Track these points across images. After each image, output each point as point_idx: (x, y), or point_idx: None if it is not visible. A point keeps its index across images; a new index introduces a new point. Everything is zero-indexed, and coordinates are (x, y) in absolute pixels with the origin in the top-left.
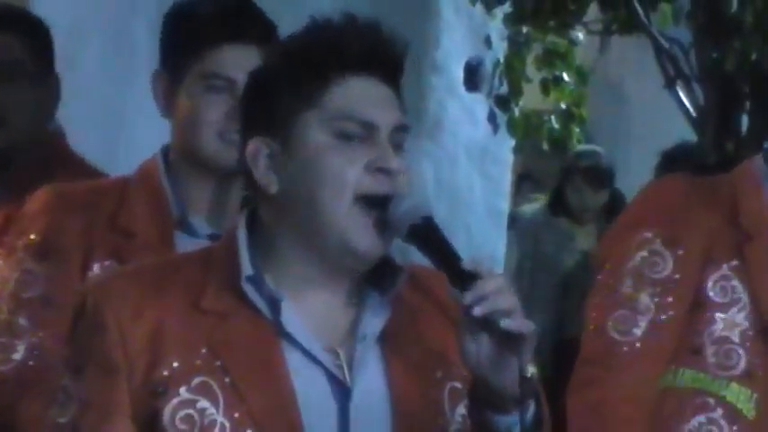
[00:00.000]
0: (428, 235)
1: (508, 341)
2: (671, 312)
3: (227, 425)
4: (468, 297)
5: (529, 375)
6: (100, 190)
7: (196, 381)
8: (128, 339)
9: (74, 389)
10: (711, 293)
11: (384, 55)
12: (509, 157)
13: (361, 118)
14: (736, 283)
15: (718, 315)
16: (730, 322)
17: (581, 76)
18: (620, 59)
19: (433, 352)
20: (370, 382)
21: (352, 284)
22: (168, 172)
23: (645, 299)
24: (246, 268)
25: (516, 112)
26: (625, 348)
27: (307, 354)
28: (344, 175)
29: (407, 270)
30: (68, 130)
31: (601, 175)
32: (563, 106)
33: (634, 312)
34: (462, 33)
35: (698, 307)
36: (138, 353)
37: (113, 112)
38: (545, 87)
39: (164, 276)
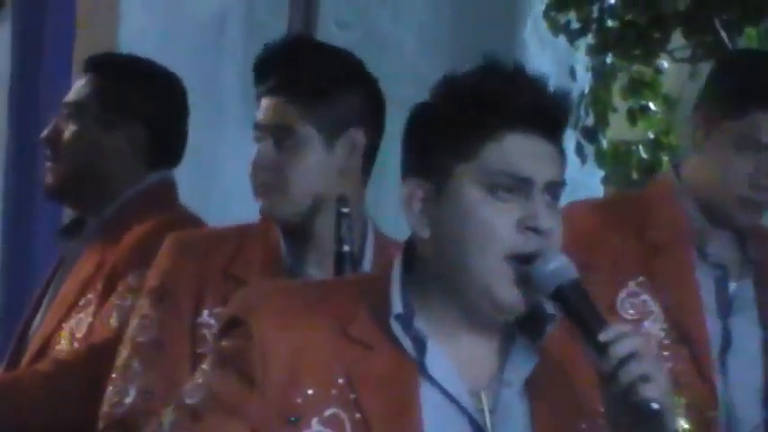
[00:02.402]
0: (573, 298)
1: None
2: None
3: None
4: (605, 365)
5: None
6: (218, 237)
7: (328, 412)
8: (269, 355)
9: (211, 378)
10: (622, 311)
11: (545, 112)
12: (599, 189)
13: (516, 173)
14: (645, 296)
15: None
16: (646, 335)
17: (669, 104)
18: None
19: (579, 403)
20: (514, 429)
21: (499, 331)
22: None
23: None
24: (396, 306)
25: (604, 143)
26: None
27: (448, 396)
28: (495, 231)
29: (558, 318)
30: None
31: None
32: (651, 135)
33: None
34: (547, 66)
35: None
36: (276, 370)
37: (205, 158)
38: (632, 117)
39: (317, 297)
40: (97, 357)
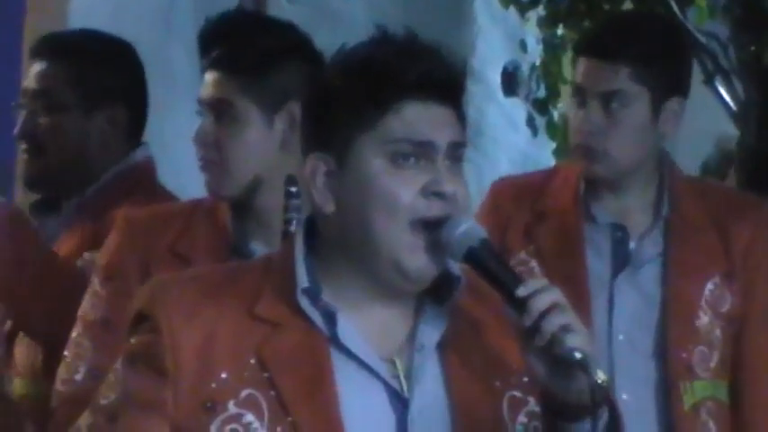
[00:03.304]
0: (485, 258)
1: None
2: None
3: None
4: (526, 320)
5: (600, 382)
6: (166, 215)
7: (244, 393)
8: (178, 345)
9: (123, 377)
10: None
11: (442, 78)
12: (550, 160)
13: (416, 139)
14: (534, 264)
15: None
16: None
17: None
18: None
19: (492, 361)
20: (429, 393)
21: (408, 298)
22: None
23: None
24: (302, 281)
25: (555, 115)
26: None
27: (363, 365)
28: (398, 199)
29: (465, 279)
30: None
31: None
32: None
33: None
34: (498, 39)
35: None
36: (187, 359)
37: (154, 134)
38: None
39: (221, 282)
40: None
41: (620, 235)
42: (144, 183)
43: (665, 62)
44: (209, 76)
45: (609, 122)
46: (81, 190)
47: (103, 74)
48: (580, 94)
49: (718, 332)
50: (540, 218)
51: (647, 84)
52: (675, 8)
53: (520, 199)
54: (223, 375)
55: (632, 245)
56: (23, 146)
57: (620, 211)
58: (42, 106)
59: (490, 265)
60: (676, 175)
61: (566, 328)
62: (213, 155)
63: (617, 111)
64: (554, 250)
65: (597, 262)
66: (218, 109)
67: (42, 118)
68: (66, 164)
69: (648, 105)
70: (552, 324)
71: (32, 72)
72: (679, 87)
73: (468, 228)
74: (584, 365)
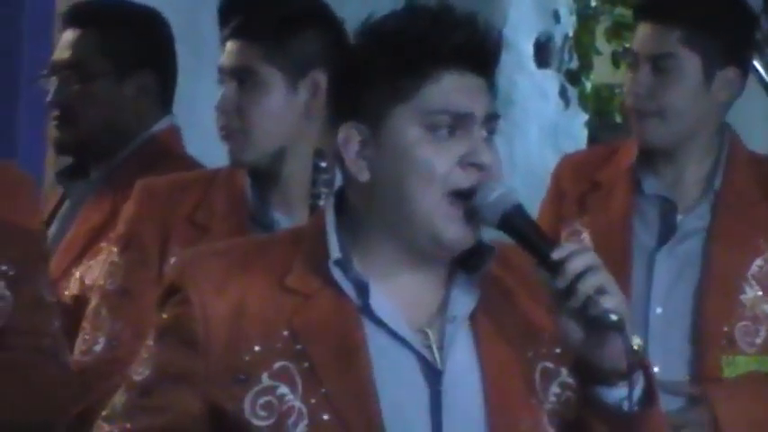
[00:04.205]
0: (519, 223)
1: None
2: None
3: (305, 410)
4: (561, 282)
5: (635, 347)
6: (184, 184)
7: (277, 366)
8: (209, 316)
9: (155, 351)
10: None
11: (479, 49)
12: (582, 132)
13: (455, 110)
14: (585, 235)
15: None
16: None
17: None
18: None
19: (524, 331)
20: (461, 363)
21: (440, 267)
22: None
23: None
24: (334, 251)
25: (587, 86)
26: None
27: (395, 336)
28: (435, 169)
29: (496, 249)
30: None
31: None
32: None
33: None
34: (530, 9)
35: None
36: (218, 331)
37: (182, 102)
38: (615, 60)
39: (251, 254)
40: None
41: (667, 207)
42: (169, 151)
43: (719, 29)
44: (231, 45)
45: (659, 85)
46: (111, 157)
47: (134, 41)
48: (634, 58)
49: (766, 308)
50: (595, 188)
51: (698, 49)
52: None
53: (578, 171)
54: (256, 348)
55: (679, 217)
56: (55, 113)
57: (673, 183)
58: (74, 75)
59: (525, 229)
60: (736, 149)
61: (601, 290)
62: (236, 123)
63: (667, 74)
64: (603, 219)
65: (644, 233)
66: (241, 76)
67: (74, 86)
68: (98, 131)
69: (700, 71)
70: (587, 285)
71: (63, 41)
72: (735, 57)
73: (502, 193)
74: (619, 326)
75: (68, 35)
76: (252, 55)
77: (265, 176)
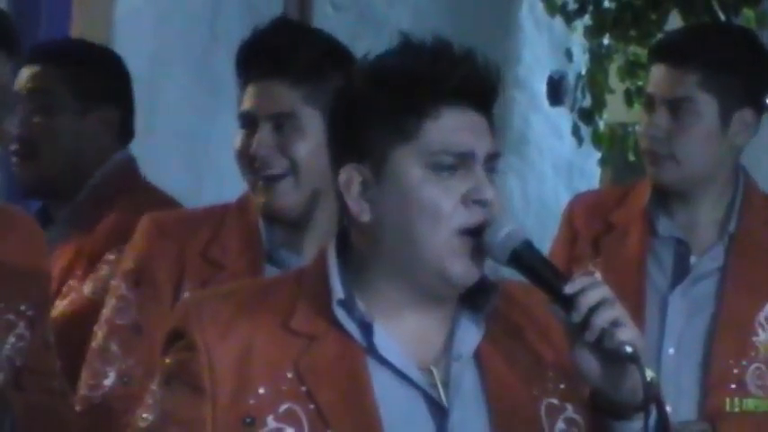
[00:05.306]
0: (529, 259)
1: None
2: None
3: None
4: (575, 317)
5: (649, 380)
6: (196, 219)
7: (283, 408)
8: (215, 361)
9: (160, 397)
10: None
11: (479, 85)
12: (596, 170)
13: (457, 150)
14: (597, 276)
15: None
16: None
17: None
18: None
19: (529, 368)
20: (468, 401)
21: (445, 305)
22: None
23: None
24: (338, 292)
25: (601, 124)
26: None
27: (401, 375)
28: (441, 208)
29: (501, 286)
30: (152, 158)
31: None
32: None
33: None
34: (543, 47)
35: None
36: (224, 376)
37: (198, 141)
38: (629, 98)
39: (255, 297)
40: (69, 323)
41: (681, 248)
42: (129, 182)
43: (735, 72)
44: (263, 88)
45: (675, 128)
46: (73, 195)
47: (96, 75)
48: (650, 100)
49: None
50: (610, 229)
51: (715, 92)
52: (722, 17)
53: (592, 212)
54: (261, 390)
55: (693, 259)
56: (14, 147)
57: (687, 225)
58: (37, 107)
59: (536, 264)
60: (751, 191)
61: (615, 323)
62: (278, 167)
63: (684, 118)
64: (618, 261)
65: (657, 274)
66: (279, 120)
67: (36, 119)
68: (60, 166)
69: (717, 114)
70: (602, 318)
71: (25, 74)
72: (751, 99)
73: (511, 231)
74: (635, 358)
75: (29, 70)
76: (292, 98)
77: (299, 222)
